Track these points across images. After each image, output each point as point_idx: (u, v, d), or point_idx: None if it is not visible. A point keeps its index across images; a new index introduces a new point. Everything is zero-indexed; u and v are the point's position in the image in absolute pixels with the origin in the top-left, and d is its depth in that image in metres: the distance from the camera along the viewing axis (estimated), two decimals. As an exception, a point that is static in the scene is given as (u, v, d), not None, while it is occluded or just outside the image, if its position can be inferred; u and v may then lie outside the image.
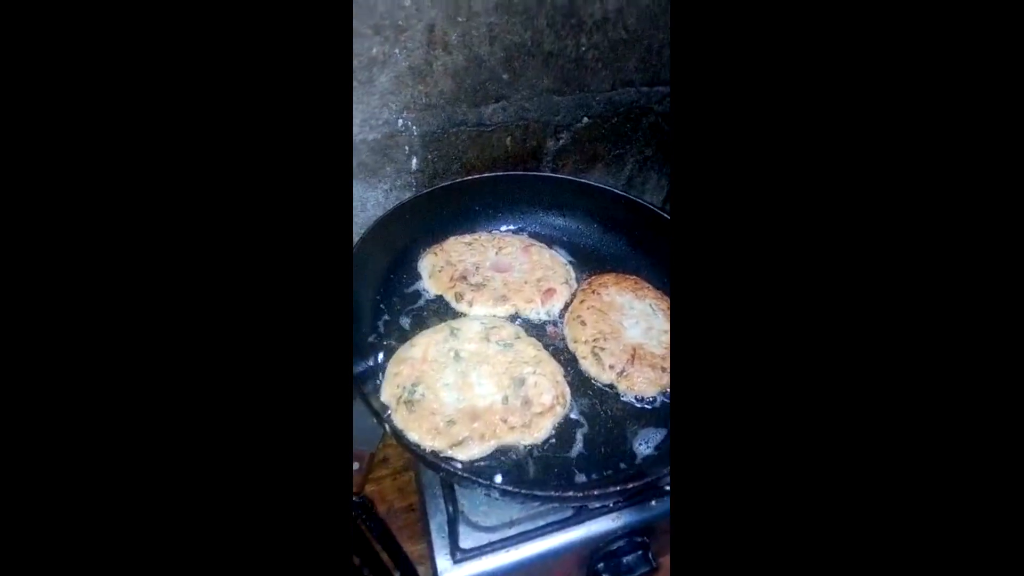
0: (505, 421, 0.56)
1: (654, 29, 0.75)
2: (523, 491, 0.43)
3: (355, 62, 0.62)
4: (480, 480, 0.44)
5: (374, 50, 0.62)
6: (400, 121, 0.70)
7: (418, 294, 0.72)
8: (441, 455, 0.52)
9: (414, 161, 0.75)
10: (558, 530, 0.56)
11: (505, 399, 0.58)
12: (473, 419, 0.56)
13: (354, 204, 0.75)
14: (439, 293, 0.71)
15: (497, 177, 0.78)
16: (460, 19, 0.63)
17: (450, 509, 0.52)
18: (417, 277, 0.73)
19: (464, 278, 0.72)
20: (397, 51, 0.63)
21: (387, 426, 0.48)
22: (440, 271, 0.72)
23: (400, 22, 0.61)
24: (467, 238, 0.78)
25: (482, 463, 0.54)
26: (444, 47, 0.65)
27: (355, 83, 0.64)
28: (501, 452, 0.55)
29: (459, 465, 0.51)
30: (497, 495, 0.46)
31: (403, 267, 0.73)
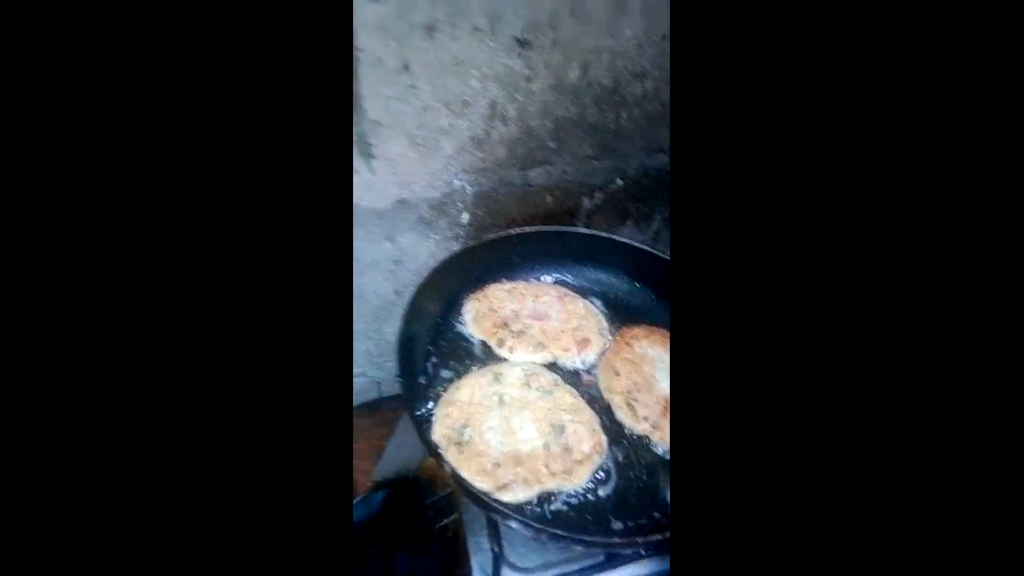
0: (547, 467, 0.60)
1: (687, 106, 0.83)
2: (574, 536, 0.47)
3: (424, 131, 0.70)
4: (535, 524, 0.48)
5: (441, 121, 0.70)
6: (457, 182, 0.77)
7: (463, 338, 0.77)
8: (489, 496, 0.56)
9: (465, 216, 0.82)
10: (591, 574, 0.59)
11: (546, 445, 0.62)
12: (517, 463, 0.60)
13: (409, 252, 0.82)
14: (482, 338, 0.76)
15: (537, 232, 0.85)
16: (518, 96, 0.71)
17: (496, 548, 0.56)
18: (462, 322, 0.78)
19: (506, 324, 0.77)
20: (462, 123, 0.71)
21: (447, 466, 0.53)
22: (483, 317, 0.78)
23: (467, 98, 0.69)
24: (507, 286, 0.84)
25: (526, 506, 0.58)
26: (503, 120, 0.73)
27: (424, 149, 0.71)
28: (543, 496, 0.59)
29: (510, 508, 0.54)
30: (546, 538, 0.50)
31: (451, 312, 0.79)
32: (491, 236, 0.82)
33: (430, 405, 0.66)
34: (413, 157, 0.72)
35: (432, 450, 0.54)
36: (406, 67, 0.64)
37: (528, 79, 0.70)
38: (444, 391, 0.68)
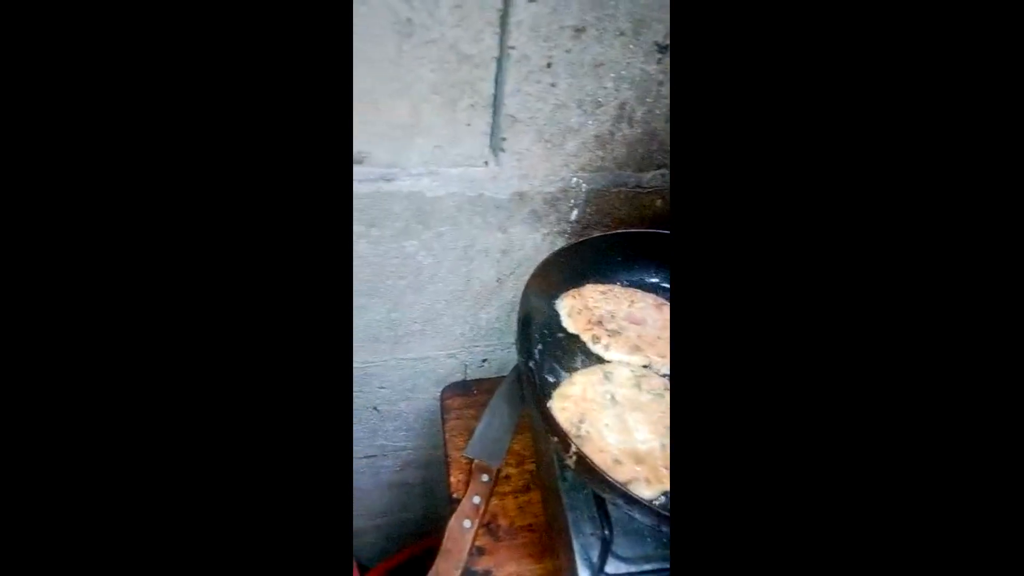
0: (666, 468, 0.61)
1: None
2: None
3: (554, 128, 0.72)
4: (663, 512, 0.50)
5: (572, 120, 0.72)
6: (574, 179, 0.79)
7: (560, 329, 0.79)
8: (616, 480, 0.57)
9: (574, 213, 0.84)
10: (691, 573, 0.60)
11: (663, 446, 0.63)
12: (637, 462, 0.61)
13: (516, 243, 0.85)
14: (576, 332, 0.78)
15: (639, 234, 0.86)
16: (648, 99, 0.73)
17: (606, 533, 0.58)
18: (558, 316, 0.81)
19: (600, 323, 0.79)
20: (590, 122, 0.73)
21: (573, 446, 0.55)
22: (579, 313, 0.80)
23: (600, 99, 0.71)
24: (602, 287, 0.85)
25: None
26: (629, 121, 0.74)
27: (549, 145, 0.74)
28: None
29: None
30: (667, 527, 0.51)
31: (552, 305, 0.81)
32: (596, 234, 0.84)
33: (541, 387, 0.69)
34: (538, 152, 0.75)
35: (559, 433, 0.57)
36: (549, 65, 0.66)
37: (660, 83, 0.71)
38: (553, 380, 0.70)
